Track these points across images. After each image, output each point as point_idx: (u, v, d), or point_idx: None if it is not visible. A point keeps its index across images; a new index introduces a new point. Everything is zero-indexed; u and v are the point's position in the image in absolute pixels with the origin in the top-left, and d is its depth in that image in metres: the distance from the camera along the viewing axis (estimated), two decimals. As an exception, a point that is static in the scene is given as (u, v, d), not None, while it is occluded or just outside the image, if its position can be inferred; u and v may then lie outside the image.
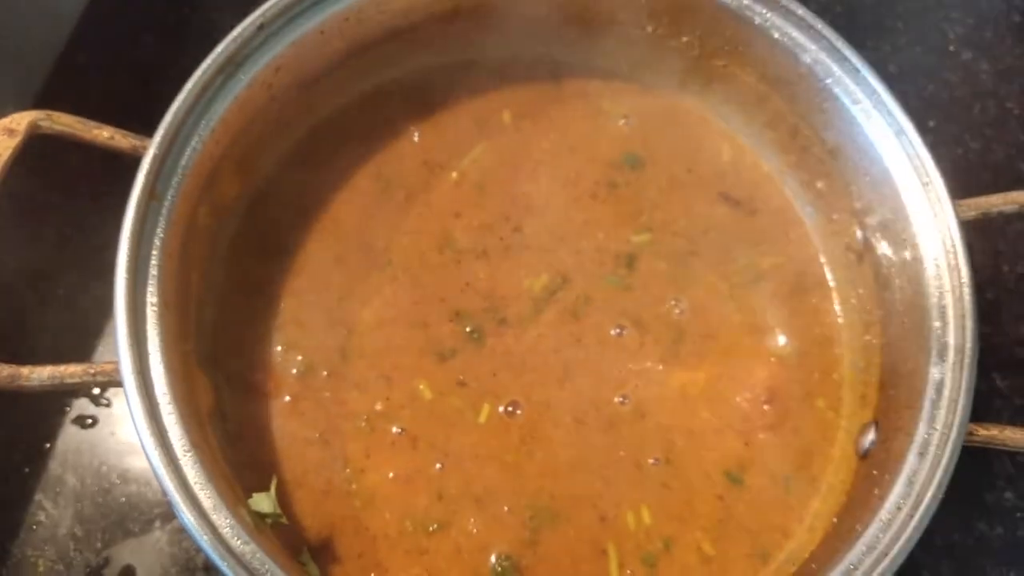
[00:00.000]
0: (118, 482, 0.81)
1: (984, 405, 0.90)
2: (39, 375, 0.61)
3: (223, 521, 0.58)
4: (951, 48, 1.09)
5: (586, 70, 0.90)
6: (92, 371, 0.62)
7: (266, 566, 0.57)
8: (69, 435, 0.83)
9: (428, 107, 0.87)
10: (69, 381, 0.62)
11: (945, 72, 1.07)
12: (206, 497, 0.59)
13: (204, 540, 0.57)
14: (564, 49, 0.89)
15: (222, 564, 0.56)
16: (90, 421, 0.83)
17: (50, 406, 0.83)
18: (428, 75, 0.87)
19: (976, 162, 1.03)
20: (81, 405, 0.84)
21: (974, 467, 0.87)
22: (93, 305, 0.86)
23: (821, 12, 0.79)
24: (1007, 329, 0.95)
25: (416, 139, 0.86)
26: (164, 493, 0.58)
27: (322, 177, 0.83)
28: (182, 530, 0.79)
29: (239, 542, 0.58)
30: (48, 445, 0.82)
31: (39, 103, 0.70)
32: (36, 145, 0.83)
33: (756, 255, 0.85)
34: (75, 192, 0.91)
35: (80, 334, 0.86)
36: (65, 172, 0.91)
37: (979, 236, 0.98)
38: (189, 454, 0.60)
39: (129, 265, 0.62)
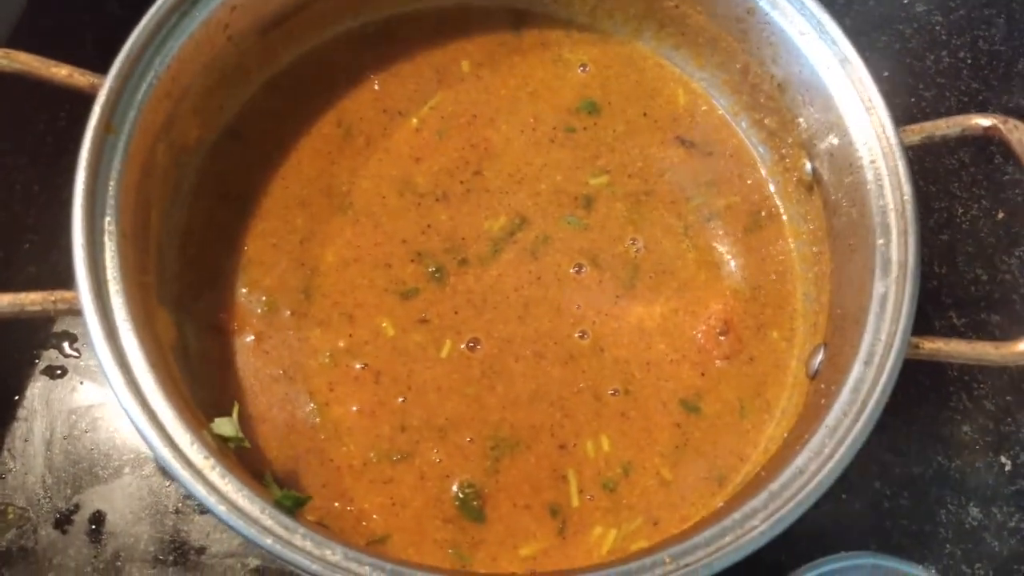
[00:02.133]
0: (87, 430, 0.82)
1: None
2: (-2, 302, 0.62)
3: (183, 438, 0.59)
4: (905, 1, 1.11)
5: (546, 19, 0.92)
6: (52, 298, 0.63)
7: (226, 478, 0.58)
8: (38, 386, 0.83)
9: (388, 56, 0.88)
10: (30, 308, 0.63)
11: (899, 24, 1.09)
12: (168, 417, 0.60)
13: (164, 453, 0.58)
14: (523, -2, 0.91)
15: (183, 475, 0.57)
16: (59, 372, 0.84)
17: (20, 357, 0.84)
18: (388, 23, 0.89)
19: (930, 111, 1.05)
20: (50, 356, 0.85)
21: (932, 402, 0.90)
22: (61, 258, 0.86)
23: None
24: (962, 269, 0.97)
25: (376, 87, 0.87)
26: (124, 411, 0.59)
27: (284, 123, 0.84)
28: (152, 475, 0.81)
29: (200, 457, 0.59)
30: (17, 396, 0.83)
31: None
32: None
33: (711, 195, 0.87)
34: (41, 151, 0.92)
35: (46, 286, 0.86)
36: (31, 132, 0.93)
37: (933, 180, 1.01)
38: (149, 375, 0.61)
39: (86, 193, 0.63)
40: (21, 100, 0.88)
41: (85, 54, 0.92)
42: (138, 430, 0.59)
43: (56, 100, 0.77)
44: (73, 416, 0.83)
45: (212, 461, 0.59)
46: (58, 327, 0.86)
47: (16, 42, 0.92)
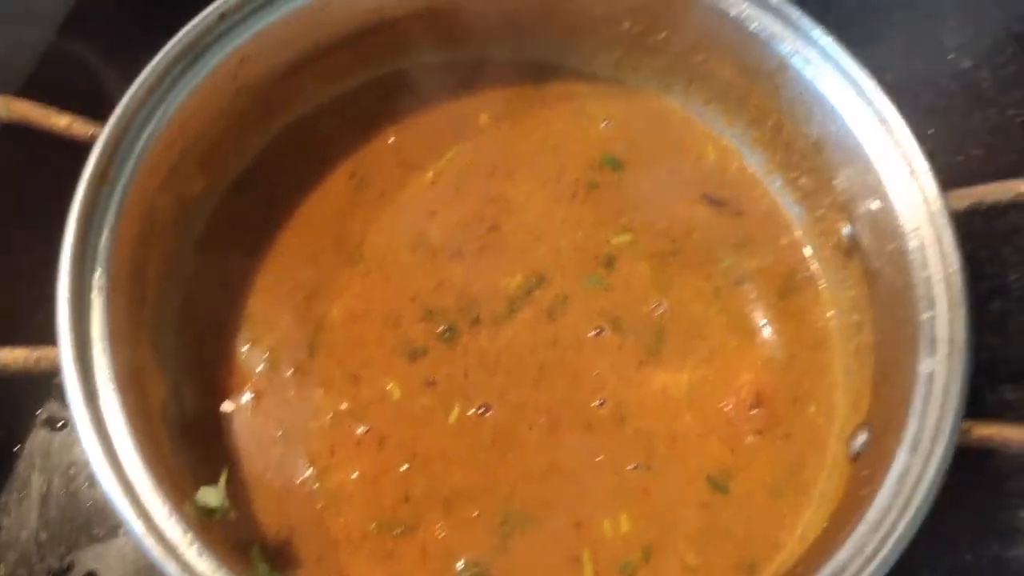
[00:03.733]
0: (85, 486, 0.80)
1: (995, 417, 0.85)
2: (-21, 357, 0.59)
3: (160, 510, 0.55)
4: (950, 57, 1.06)
5: (569, 72, 0.89)
6: (35, 356, 0.60)
7: (203, 556, 0.54)
8: (39, 438, 0.81)
9: (405, 107, 0.86)
10: (12, 367, 0.60)
11: (944, 80, 1.04)
12: (145, 486, 0.56)
13: (136, 526, 0.54)
14: (545, 50, 0.88)
15: (154, 552, 0.54)
16: (60, 424, 0.82)
17: (21, 408, 0.82)
18: (405, 75, 0.87)
19: (978, 170, 0.99)
20: (52, 408, 0.82)
21: (986, 484, 0.83)
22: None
23: (816, 21, 0.77)
24: (1015, 340, 0.90)
25: (392, 139, 0.85)
26: (97, 479, 0.56)
27: (296, 174, 0.82)
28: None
29: (178, 531, 0.55)
30: (17, 447, 0.80)
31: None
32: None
33: (742, 256, 0.82)
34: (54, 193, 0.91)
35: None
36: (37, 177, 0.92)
37: (984, 245, 0.95)
38: (129, 440, 0.57)
39: (76, 246, 0.61)
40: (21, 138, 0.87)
41: (108, 89, 0.92)
42: (110, 500, 0.55)
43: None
44: (72, 470, 0.80)
45: (190, 536, 0.54)
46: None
47: (34, 82, 0.92)
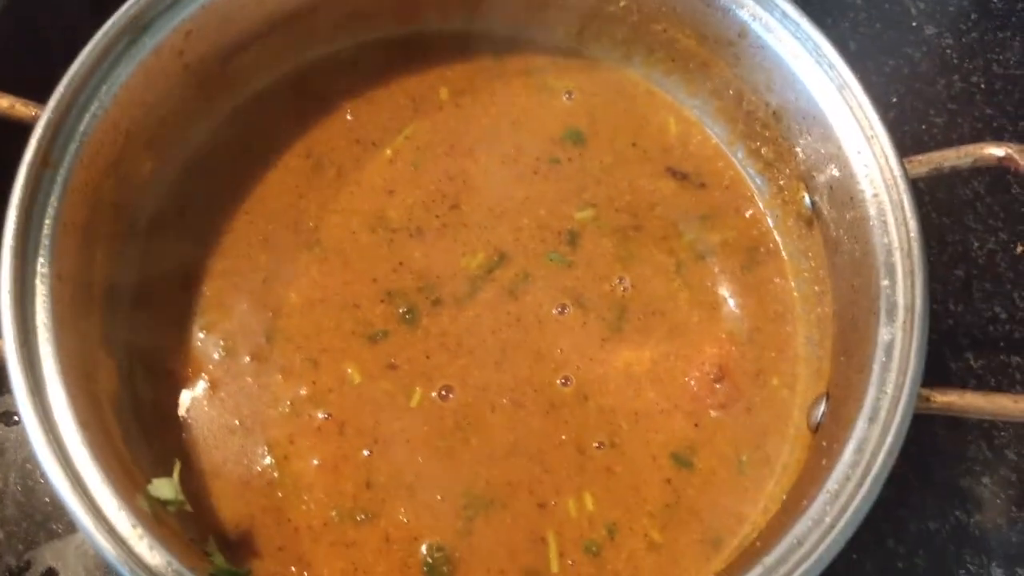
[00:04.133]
0: (42, 481, 0.78)
1: (959, 385, 0.86)
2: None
3: (110, 503, 0.54)
4: (913, 23, 1.06)
5: (529, 45, 0.87)
6: (-22, 348, 0.58)
7: (154, 550, 0.53)
8: (-7, 433, 0.79)
9: (361, 84, 0.84)
10: (-45, 358, 0.58)
11: (907, 48, 1.04)
12: (94, 480, 0.55)
13: (85, 521, 0.53)
14: (504, 23, 0.86)
15: (103, 545, 0.52)
16: (16, 419, 0.80)
17: (-27, 403, 0.80)
18: (361, 50, 0.85)
19: (942, 138, 1.00)
20: (7, 402, 0.80)
21: (949, 451, 0.84)
22: None
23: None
24: (979, 307, 0.91)
25: (349, 116, 0.83)
26: (45, 473, 0.54)
27: (250, 155, 0.80)
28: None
29: (128, 525, 0.54)
30: (-30, 444, 0.79)
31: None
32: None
33: (705, 229, 0.81)
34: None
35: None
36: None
37: (947, 212, 0.95)
38: (78, 434, 0.56)
39: (17, 234, 0.59)
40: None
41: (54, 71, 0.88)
42: (58, 494, 0.53)
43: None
44: (28, 465, 0.78)
45: (140, 530, 0.53)
46: (13, 370, 0.82)
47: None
